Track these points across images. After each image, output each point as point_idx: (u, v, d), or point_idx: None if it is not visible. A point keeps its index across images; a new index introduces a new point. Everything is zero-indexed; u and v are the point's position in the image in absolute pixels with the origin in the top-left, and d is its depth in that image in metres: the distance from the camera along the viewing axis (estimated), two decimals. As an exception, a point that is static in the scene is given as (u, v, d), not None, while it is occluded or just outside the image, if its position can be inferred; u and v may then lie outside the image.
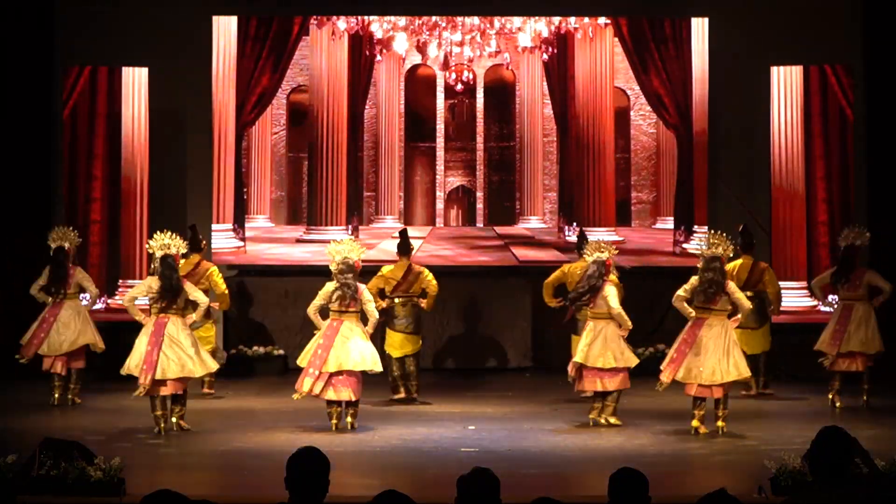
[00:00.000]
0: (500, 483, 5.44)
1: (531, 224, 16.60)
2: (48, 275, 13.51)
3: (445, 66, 16.58)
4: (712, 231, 12.30)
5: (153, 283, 11.95)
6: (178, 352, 11.82)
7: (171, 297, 11.88)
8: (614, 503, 5.34)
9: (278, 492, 5.43)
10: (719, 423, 11.72)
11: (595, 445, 11.40)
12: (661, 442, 11.55)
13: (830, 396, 13.33)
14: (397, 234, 14.11)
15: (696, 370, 11.68)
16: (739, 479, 9.71)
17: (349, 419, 12.00)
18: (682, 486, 9.70)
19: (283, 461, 5.38)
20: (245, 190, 16.37)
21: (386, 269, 13.70)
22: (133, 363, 11.86)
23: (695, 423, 11.72)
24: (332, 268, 12.06)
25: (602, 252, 12.37)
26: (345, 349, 11.90)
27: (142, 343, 11.86)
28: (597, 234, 15.84)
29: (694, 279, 11.87)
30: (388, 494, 5.29)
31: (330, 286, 12.04)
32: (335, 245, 12.18)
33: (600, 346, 12.21)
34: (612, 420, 12.21)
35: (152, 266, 12.08)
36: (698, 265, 11.93)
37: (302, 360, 12.09)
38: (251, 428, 12.15)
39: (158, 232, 12.13)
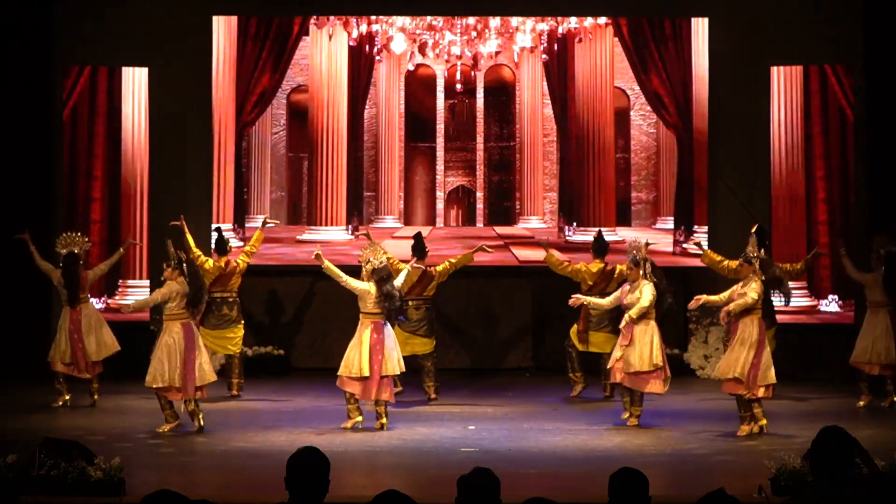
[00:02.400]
0: (500, 483, 5.44)
1: (531, 224, 16.59)
2: (61, 280, 13.47)
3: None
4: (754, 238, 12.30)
5: (176, 287, 11.95)
6: (205, 357, 12.00)
7: (197, 301, 12.00)
8: (614, 503, 5.34)
9: (278, 492, 5.43)
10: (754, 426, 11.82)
11: (595, 445, 11.41)
12: (661, 442, 11.55)
13: (869, 398, 13.36)
14: (412, 238, 14.10)
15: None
16: (739, 479, 9.71)
17: (384, 419, 12.09)
18: (681, 486, 9.71)
19: (283, 461, 5.38)
20: (245, 190, 16.37)
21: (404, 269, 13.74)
22: (176, 374, 11.85)
23: (763, 421, 11.81)
24: (366, 271, 12.06)
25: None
26: (391, 353, 12.06)
27: (176, 351, 11.89)
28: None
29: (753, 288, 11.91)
30: (388, 494, 5.29)
31: (367, 286, 11.99)
32: (367, 251, 12.17)
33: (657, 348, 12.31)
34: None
35: (171, 272, 12.01)
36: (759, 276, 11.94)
37: (353, 370, 12.02)
38: (251, 428, 12.15)
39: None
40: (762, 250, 12.18)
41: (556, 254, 14.30)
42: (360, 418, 12.04)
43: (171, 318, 11.94)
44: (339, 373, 12.06)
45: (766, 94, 15.86)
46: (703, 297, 12.10)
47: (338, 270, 12.06)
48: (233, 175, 16.22)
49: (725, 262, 13.23)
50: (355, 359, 11.95)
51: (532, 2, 16.29)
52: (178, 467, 10.62)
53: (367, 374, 11.90)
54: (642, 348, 12.15)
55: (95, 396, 13.40)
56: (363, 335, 11.98)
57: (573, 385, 14.04)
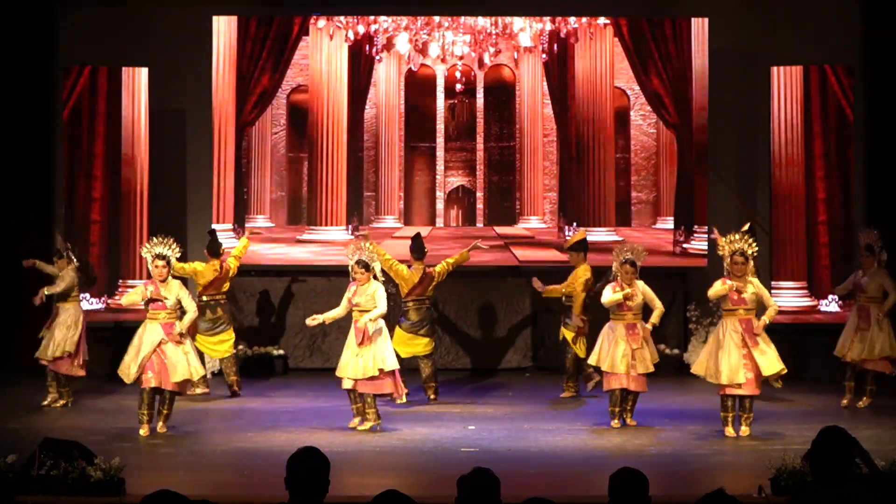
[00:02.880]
0: (500, 483, 5.44)
1: (531, 224, 16.59)
2: (77, 278, 13.52)
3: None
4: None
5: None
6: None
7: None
8: (614, 503, 5.34)
9: (278, 492, 5.43)
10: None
11: (595, 445, 11.41)
12: (661, 442, 11.55)
13: (870, 400, 13.44)
14: (411, 238, 14.14)
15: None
16: (739, 479, 9.71)
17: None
18: (681, 486, 9.70)
19: (283, 461, 5.38)
20: (245, 190, 16.37)
21: (404, 270, 13.76)
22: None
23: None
24: (374, 271, 12.18)
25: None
26: None
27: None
28: (597, 235, 15.88)
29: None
30: (388, 494, 5.29)
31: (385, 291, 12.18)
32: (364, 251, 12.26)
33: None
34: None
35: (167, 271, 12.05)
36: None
37: (389, 364, 12.06)
38: (251, 428, 12.15)
39: (156, 238, 12.19)
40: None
41: (553, 287, 14.12)
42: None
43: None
44: (376, 372, 11.93)
45: (766, 94, 15.86)
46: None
47: (335, 313, 12.15)
48: (233, 175, 16.22)
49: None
50: (390, 352, 12.07)
51: (532, 2, 16.29)
52: (178, 467, 10.62)
53: (394, 367, 12.06)
54: (651, 350, 12.24)
55: (68, 399, 13.44)
56: (383, 330, 12.04)
57: (566, 389, 14.05)
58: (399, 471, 10.46)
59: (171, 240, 12.23)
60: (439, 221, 16.61)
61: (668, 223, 16.29)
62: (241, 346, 15.87)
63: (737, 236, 11.97)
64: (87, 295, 15.55)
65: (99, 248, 15.76)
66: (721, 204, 15.83)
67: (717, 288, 11.84)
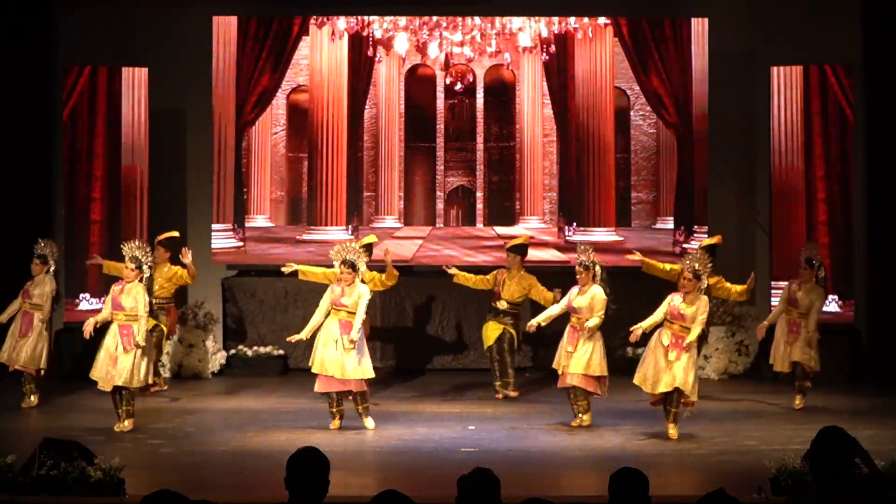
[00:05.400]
0: (500, 483, 5.44)
1: (531, 224, 16.59)
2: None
3: (446, 66, 16.56)
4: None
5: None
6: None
7: None
8: (614, 503, 5.34)
9: (278, 492, 5.43)
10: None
11: (595, 445, 11.42)
12: (661, 442, 11.56)
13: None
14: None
15: None
16: (739, 479, 9.71)
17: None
18: (681, 486, 9.72)
19: (283, 461, 5.39)
20: (245, 190, 16.37)
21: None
22: None
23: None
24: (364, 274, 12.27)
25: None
26: None
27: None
28: (597, 235, 15.88)
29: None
30: (388, 494, 5.29)
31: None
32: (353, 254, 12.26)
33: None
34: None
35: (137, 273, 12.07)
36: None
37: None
38: (251, 428, 12.16)
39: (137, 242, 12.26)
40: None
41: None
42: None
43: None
44: (364, 376, 12.06)
45: (766, 94, 15.86)
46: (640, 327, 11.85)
47: (316, 321, 12.32)
48: (233, 175, 16.22)
49: (668, 267, 13.07)
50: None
51: (532, 2, 16.28)
52: (178, 467, 10.63)
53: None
54: (596, 354, 12.16)
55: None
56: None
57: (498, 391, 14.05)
58: (399, 471, 10.47)
59: (148, 248, 12.26)
60: (439, 221, 16.61)
61: (669, 223, 16.29)
62: (240, 346, 15.90)
63: (697, 253, 11.98)
64: (88, 295, 15.58)
65: (99, 248, 15.75)
66: (721, 204, 15.83)
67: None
